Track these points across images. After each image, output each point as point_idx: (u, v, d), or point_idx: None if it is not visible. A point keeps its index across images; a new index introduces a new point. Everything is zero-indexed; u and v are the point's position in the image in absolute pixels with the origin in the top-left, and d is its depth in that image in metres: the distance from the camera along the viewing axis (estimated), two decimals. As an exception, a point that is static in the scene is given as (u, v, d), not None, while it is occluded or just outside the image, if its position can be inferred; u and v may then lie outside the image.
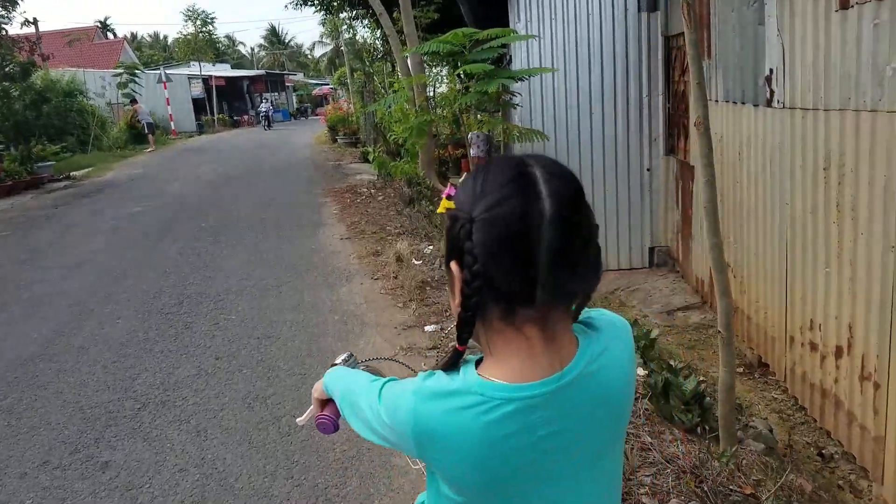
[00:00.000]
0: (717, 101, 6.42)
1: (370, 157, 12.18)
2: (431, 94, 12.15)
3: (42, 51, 18.41)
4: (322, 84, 53.93)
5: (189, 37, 40.81)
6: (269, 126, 35.90)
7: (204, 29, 40.00)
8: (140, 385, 5.02)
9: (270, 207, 11.82)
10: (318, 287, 7.10)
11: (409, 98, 11.11)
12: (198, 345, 5.73)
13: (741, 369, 6.29)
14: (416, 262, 7.52)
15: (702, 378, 5.15)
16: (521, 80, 6.83)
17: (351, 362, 1.72)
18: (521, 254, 1.03)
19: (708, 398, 4.51)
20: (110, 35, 49.44)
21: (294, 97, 53.41)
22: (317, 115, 47.55)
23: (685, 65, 7.79)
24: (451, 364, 1.17)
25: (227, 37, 64.88)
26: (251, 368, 5.22)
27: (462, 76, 8.21)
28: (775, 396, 5.41)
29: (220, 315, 6.42)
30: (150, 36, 66.01)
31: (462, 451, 1.10)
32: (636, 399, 4.09)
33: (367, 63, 18.76)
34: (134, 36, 63.39)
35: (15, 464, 4.06)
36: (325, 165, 17.95)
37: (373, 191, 12.34)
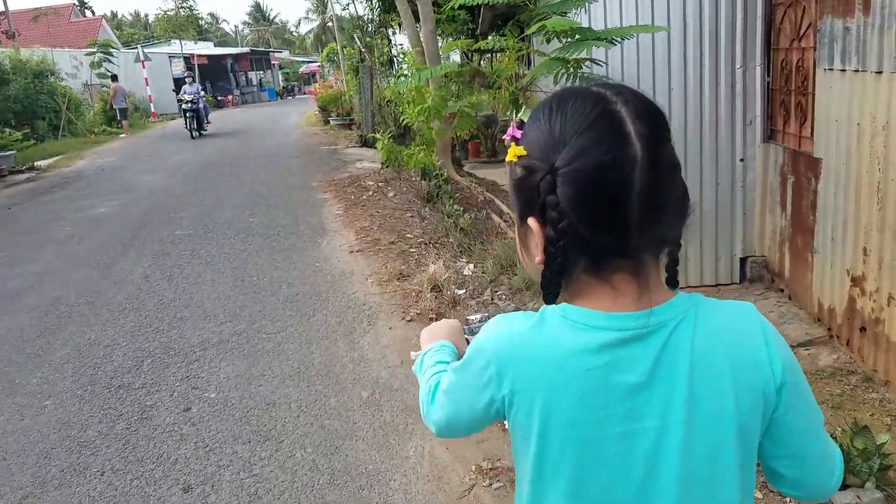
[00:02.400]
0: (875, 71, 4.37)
1: (377, 144, 10.05)
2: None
3: (11, 28, 16.04)
4: (309, 62, 51.47)
5: (170, 13, 38.09)
6: (198, 129, 20.12)
7: (185, 4, 37.31)
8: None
9: (260, 206, 9.65)
10: (330, 335, 5.00)
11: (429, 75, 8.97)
12: (157, 457, 3.65)
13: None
14: (458, 292, 5.45)
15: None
16: (613, 42, 4.72)
17: (482, 324, 1.35)
18: (613, 206, 0.92)
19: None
20: (88, 13, 46.54)
21: (280, 75, 50.81)
22: (304, 93, 45.21)
23: (799, 25, 5.73)
24: None
25: (210, 14, 61.89)
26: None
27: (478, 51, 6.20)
28: None
29: (192, 392, 4.31)
30: (130, 14, 62.90)
31: (546, 374, 0.98)
32: None
33: (362, 37, 16.43)
34: (114, 14, 60.34)
35: None
36: (320, 151, 15.73)
37: (380, 183, 10.20)
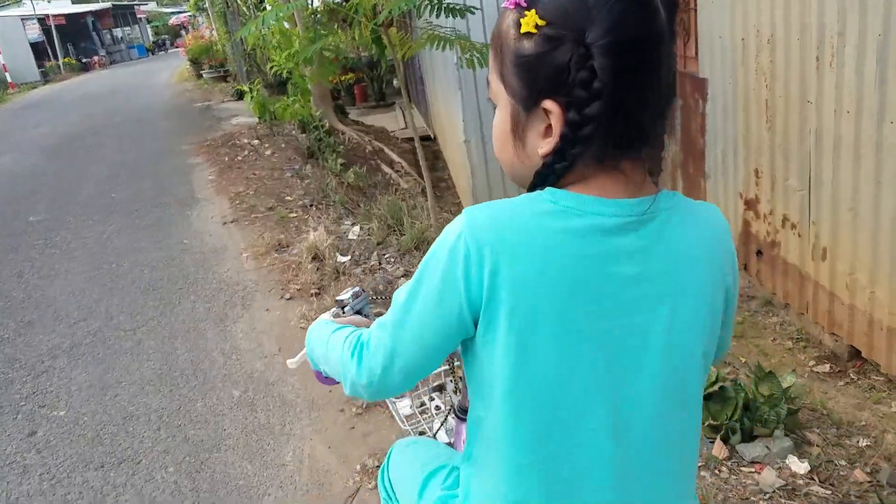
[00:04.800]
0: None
1: (246, 97, 9.34)
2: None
3: None
4: (179, 12, 48.55)
5: (15, -30, 34.95)
6: None
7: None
8: None
9: (123, 178, 8.85)
10: (198, 326, 4.50)
11: (289, 16, 8.28)
12: (-10, 500, 3.14)
13: (826, 365, 4.34)
14: (341, 259, 5.02)
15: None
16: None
17: (359, 302, 1.47)
18: (647, 84, 0.86)
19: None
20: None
21: (149, 30, 47.83)
22: (177, 47, 42.79)
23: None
24: None
25: (64, -31, 57.29)
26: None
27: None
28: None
29: (38, 412, 3.76)
30: (-28, -25, 57.57)
31: (536, 260, 0.87)
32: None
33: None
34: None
35: None
36: (191, 109, 14.74)
37: (255, 141, 9.52)
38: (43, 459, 3.37)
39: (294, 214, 6.39)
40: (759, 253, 4.98)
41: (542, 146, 0.91)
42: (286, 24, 8.23)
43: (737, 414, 2.82)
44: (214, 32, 21.09)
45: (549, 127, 0.90)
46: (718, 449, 2.78)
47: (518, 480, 0.98)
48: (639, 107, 0.88)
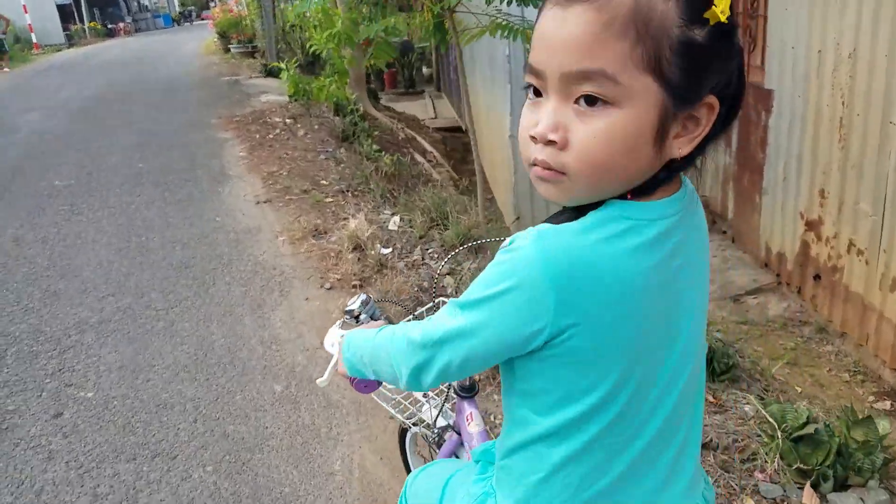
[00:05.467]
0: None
1: (282, 74, 9.05)
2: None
3: None
4: (207, -16, 48.23)
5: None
6: None
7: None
8: None
9: (152, 148, 8.58)
10: (234, 310, 4.24)
11: (333, -4, 8.00)
12: (18, 484, 2.88)
13: (887, 402, 4.10)
14: (384, 252, 4.76)
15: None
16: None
17: (370, 308, 1.46)
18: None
19: None
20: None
21: (176, 0, 47.47)
22: (203, 19, 42.46)
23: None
24: None
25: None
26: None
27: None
28: None
29: (65, 391, 3.51)
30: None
31: (611, 290, 0.84)
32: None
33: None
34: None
35: None
36: (219, 82, 14.44)
37: (288, 120, 9.25)
38: (70, 445, 3.12)
39: (330, 199, 6.13)
40: (816, 277, 4.71)
41: (683, 146, 0.86)
42: (329, 5, 7.93)
43: (829, 460, 2.57)
44: (244, 7, 20.78)
45: (687, 126, 0.86)
46: (808, 496, 2.53)
47: (576, 468, 0.98)
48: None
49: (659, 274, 0.89)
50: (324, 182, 6.64)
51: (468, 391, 1.72)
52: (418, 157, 8.81)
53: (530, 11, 4.43)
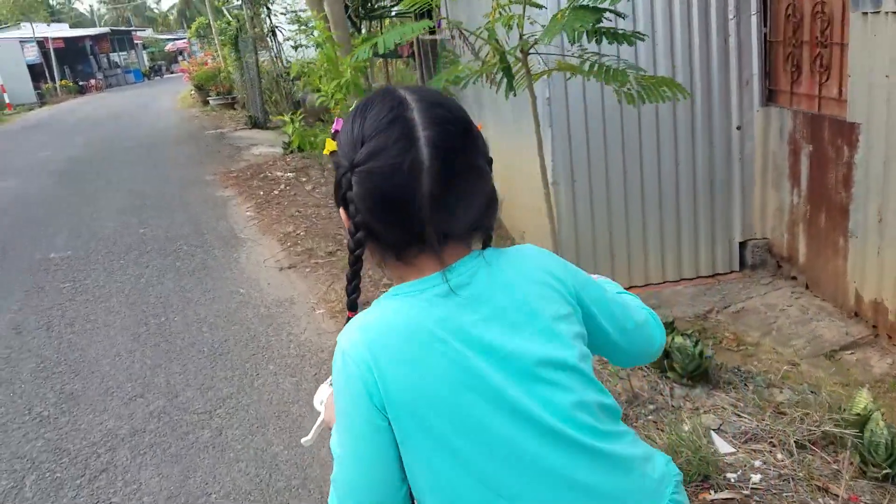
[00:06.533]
0: None
1: (287, 128, 8.43)
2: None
3: None
4: (175, 39, 47.64)
5: (14, -6, 33.88)
6: None
7: (30, -18, 33.28)
8: None
9: (149, 211, 7.85)
10: (289, 408, 3.52)
11: (339, 44, 7.43)
12: None
13: None
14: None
15: None
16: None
17: None
18: (400, 206, 0.97)
19: None
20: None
21: (145, 55, 46.75)
22: (173, 72, 41.85)
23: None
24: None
25: (61, -7, 56.15)
26: None
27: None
28: None
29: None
30: (-32, -4, 56.11)
31: (410, 341, 0.98)
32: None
33: (243, 6, 14.27)
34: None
35: None
36: (205, 136, 13.75)
37: (290, 174, 8.59)
38: None
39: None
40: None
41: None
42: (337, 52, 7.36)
43: None
44: (219, 59, 20.16)
45: None
46: None
47: None
48: (398, 222, 0.99)
49: (456, 318, 1.01)
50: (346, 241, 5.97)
51: None
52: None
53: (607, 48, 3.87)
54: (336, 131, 1.04)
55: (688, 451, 2.95)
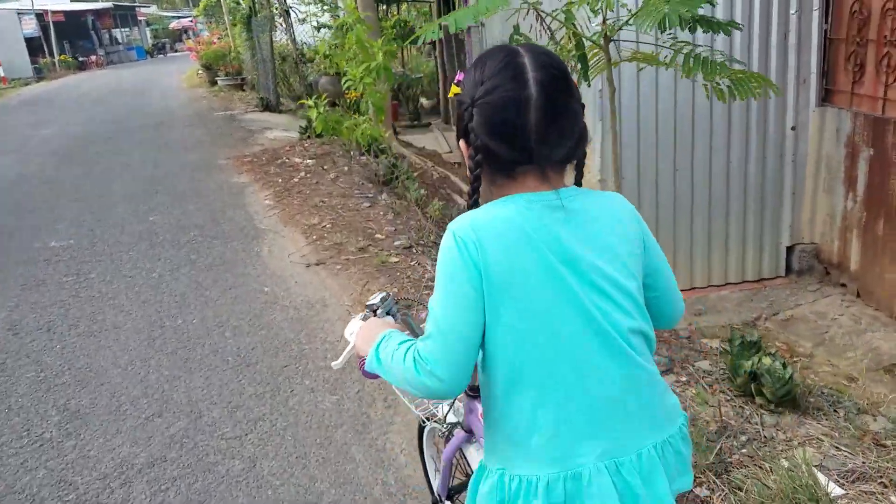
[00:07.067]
0: None
1: (310, 112, 7.89)
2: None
3: None
4: (180, 16, 46.83)
5: (15, -35, 33.06)
6: None
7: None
8: None
9: (160, 197, 7.32)
10: (332, 433, 3.02)
11: (369, 26, 6.89)
12: None
13: None
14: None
15: None
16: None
17: (387, 305, 1.60)
18: (512, 130, 1.18)
19: None
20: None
21: (148, 32, 45.95)
22: (176, 51, 41.12)
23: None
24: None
25: (63, -33, 55.18)
26: None
27: None
28: None
29: None
30: (-31, -32, 55.15)
31: (509, 233, 1.18)
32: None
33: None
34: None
35: None
36: (214, 117, 13.17)
37: (309, 161, 8.05)
38: None
39: (396, 259, 4.96)
40: None
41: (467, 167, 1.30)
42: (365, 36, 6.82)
43: None
44: (229, 39, 19.53)
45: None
46: None
47: (539, 408, 1.21)
48: (511, 143, 1.21)
49: (545, 227, 1.22)
50: (379, 236, 5.46)
51: (473, 391, 1.72)
52: (458, 199, 7.69)
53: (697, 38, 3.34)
54: (458, 81, 1.30)
55: (804, 498, 2.55)
